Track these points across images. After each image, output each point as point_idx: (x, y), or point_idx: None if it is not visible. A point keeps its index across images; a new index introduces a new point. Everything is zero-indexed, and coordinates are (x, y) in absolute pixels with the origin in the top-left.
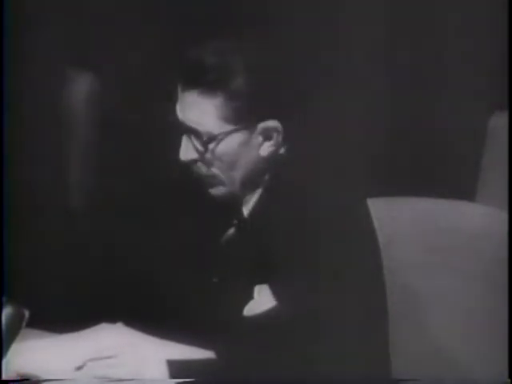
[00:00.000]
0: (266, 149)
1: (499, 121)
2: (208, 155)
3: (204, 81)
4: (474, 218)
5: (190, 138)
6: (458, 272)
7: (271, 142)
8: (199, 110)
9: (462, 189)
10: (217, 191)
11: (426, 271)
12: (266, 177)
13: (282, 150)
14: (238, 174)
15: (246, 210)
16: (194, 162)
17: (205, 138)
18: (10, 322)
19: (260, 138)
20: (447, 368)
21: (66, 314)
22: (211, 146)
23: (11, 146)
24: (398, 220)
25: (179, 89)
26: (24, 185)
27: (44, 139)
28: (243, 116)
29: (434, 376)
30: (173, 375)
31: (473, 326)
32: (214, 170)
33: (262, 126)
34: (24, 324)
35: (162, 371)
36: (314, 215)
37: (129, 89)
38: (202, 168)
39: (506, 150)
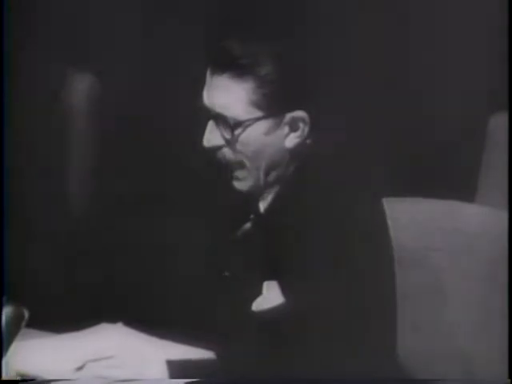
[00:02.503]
0: (292, 140)
1: (499, 121)
2: (234, 141)
3: (235, 65)
4: (474, 218)
5: (216, 123)
6: (458, 272)
7: (297, 133)
8: (228, 94)
9: (462, 189)
10: (241, 185)
11: (426, 271)
12: (285, 173)
13: (307, 143)
14: (263, 164)
15: (262, 206)
16: (219, 148)
17: (231, 123)
18: (9, 321)
19: (287, 129)
20: (447, 368)
21: (66, 314)
22: (237, 131)
23: (11, 146)
24: (398, 220)
25: (208, 73)
26: (24, 185)
27: (44, 139)
28: (272, 103)
29: (434, 376)
30: (173, 375)
31: (473, 326)
32: (239, 157)
33: (289, 115)
34: (24, 324)
35: (162, 371)
36: (329, 214)
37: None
38: (227, 155)
39: (505, 150)
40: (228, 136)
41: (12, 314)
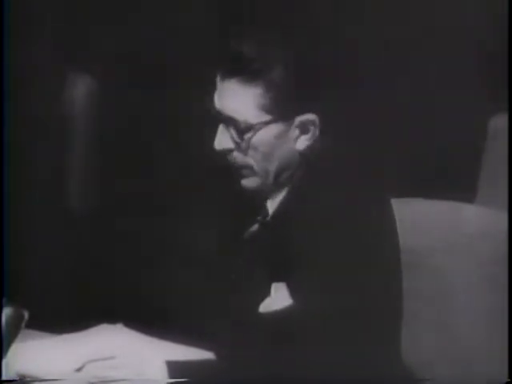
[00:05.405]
0: (303, 142)
1: (499, 121)
2: (244, 145)
3: (245, 70)
4: (474, 218)
5: (226, 127)
6: (458, 272)
7: (308, 136)
8: (238, 99)
9: (462, 189)
10: (249, 183)
11: (426, 271)
12: (294, 175)
13: (317, 146)
14: (273, 167)
15: (271, 208)
16: (229, 151)
17: (242, 127)
18: (9, 322)
19: (297, 131)
20: (447, 368)
21: (66, 315)
22: (248, 135)
23: (11, 146)
24: (398, 221)
25: (218, 78)
26: (24, 185)
27: (44, 139)
28: (281, 107)
29: (434, 376)
30: (173, 376)
31: (473, 326)
32: (249, 161)
33: (299, 119)
34: (24, 325)
35: (162, 372)
36: (337, 216)
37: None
38: (237, 158)
39: (506, 151)
40: (238, 139)
41: (12, 315)
